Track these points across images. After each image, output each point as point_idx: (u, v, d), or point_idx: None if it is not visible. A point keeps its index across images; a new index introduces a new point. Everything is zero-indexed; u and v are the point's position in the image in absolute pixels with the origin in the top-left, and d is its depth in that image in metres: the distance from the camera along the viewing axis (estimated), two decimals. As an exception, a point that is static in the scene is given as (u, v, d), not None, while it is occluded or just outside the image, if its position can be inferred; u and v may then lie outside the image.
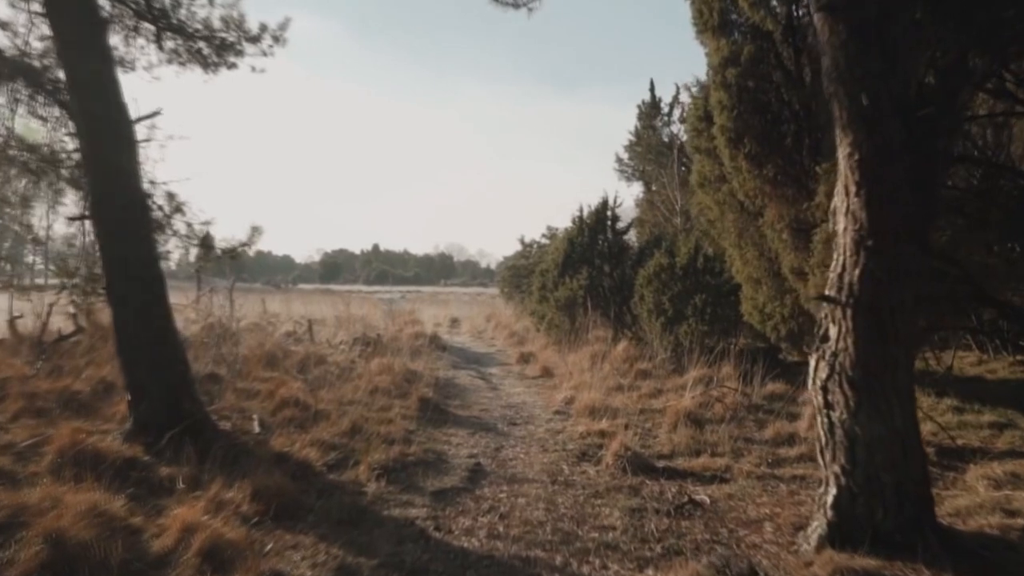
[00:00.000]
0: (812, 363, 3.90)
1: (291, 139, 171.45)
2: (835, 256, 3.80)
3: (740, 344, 10.32)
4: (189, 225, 7.09)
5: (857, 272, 3.59)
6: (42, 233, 15.06)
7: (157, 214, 7.07)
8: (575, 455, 5.88)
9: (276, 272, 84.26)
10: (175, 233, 7.42)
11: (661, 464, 5.58)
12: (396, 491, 4.73)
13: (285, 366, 9.23)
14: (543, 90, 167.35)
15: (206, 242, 7.10)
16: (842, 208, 3.68)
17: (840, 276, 3.69)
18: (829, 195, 6.07)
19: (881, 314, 3.55)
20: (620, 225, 13.47)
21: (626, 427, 6.78)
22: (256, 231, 7.09)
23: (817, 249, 6.14)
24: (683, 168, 14.54)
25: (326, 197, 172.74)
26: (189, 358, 9.19)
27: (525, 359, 11.97)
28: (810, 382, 3.93)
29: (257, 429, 6.02)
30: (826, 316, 3.83)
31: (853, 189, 3.57)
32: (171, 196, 6.96)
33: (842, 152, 3.63)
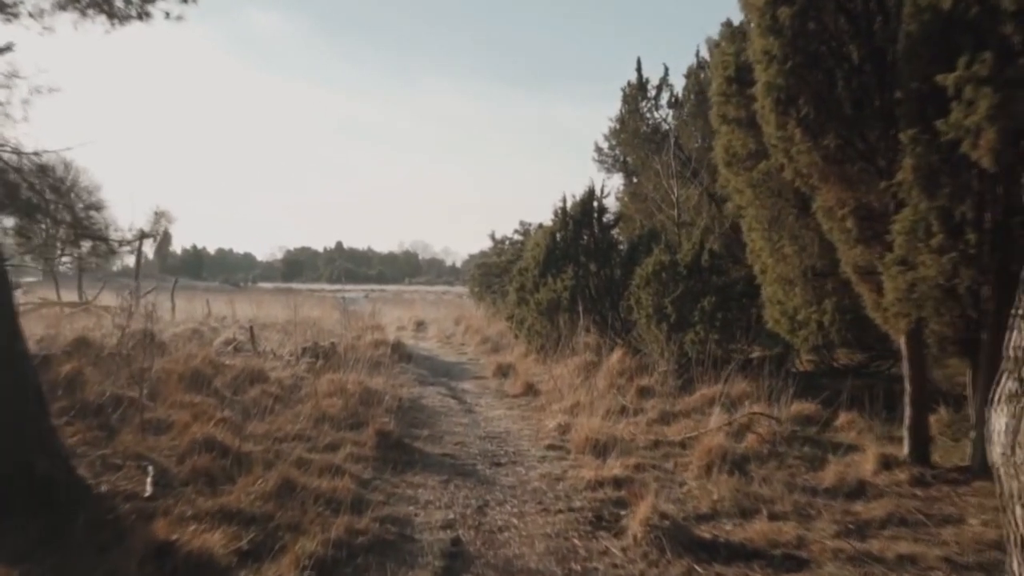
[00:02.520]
0: (999, 420, 2.45)
1: (253, 137, 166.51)
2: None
3: (754, 353, 8.96)
4: (70, 208, 5.35)
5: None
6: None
7: (26, 193, 5.34)
8: (587, 520, 4.35)
9: (237, 270, 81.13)
10: (56, 220, 5.68)
11: (707, 533, 4.10)
12: (336, 607, 3.14)
13: (215, 386, 7.50)
14: (505, 90, 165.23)
15: (94, 231, 5.36)
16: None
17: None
18: (917, 169, 4.68)
19: None
20: (608, 218, 12.00)
21: (644, 469, 5.33)
22: (161, 216, 5.48)
23: (898, 242, 4.73)
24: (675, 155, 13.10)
25: (287, 195, 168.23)
26: (98, 376, 7.46)
27: (503, 372, 10.40)
28: (995, 449, 2.48)
29: (149, 490, 4.34)
30: (1027, 346, 2.38)
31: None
32: (44, 169, 5.21)
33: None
